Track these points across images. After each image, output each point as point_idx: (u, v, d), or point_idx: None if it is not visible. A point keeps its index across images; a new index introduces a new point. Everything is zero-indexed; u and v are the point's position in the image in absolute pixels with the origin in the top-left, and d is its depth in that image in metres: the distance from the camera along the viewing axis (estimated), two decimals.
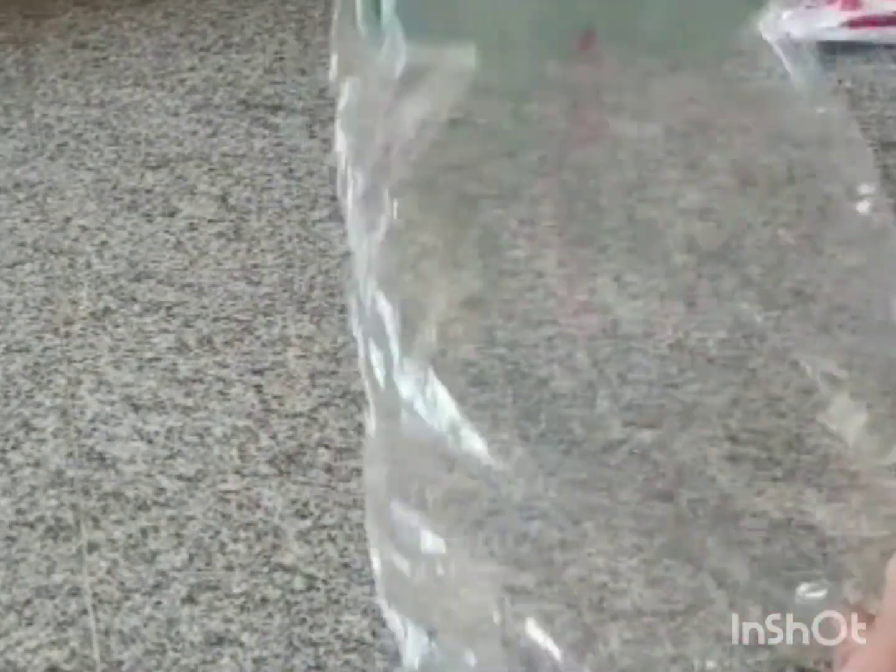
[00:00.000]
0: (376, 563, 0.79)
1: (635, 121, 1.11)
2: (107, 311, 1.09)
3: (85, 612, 0.83)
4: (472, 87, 1.05)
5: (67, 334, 1.07)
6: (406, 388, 0.86)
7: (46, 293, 1.12)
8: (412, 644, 0.74)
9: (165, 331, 1.06)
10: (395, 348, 0.88)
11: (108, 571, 0.86)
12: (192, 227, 1.19)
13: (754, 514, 0.87)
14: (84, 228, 1.20)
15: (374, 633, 0.81)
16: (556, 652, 0.74)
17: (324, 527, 0.88)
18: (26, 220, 1.21)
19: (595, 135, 1.15)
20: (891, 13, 1.41)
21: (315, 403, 0.98)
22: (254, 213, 1.21)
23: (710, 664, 0.77)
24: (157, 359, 1.04)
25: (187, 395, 1.00)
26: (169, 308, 1.09)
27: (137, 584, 0.85)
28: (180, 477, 0.93)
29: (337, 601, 0.83)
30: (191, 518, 0.89)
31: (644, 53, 1.08)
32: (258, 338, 1.05)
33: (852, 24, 1.42)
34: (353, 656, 0.80)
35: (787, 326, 1.04)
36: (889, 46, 1.42)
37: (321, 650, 0.80)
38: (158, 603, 0.84)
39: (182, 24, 1.55)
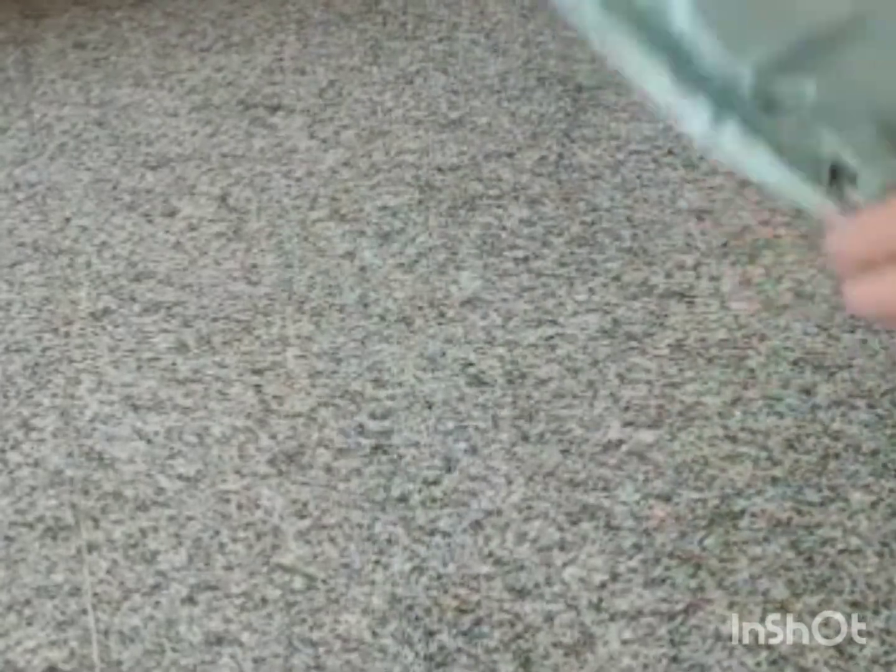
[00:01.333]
0: None
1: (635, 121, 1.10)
2: (106, 310, 1.09)
3: (84, 612, 0.83)
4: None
5: (67, 334, 1.07)
6: None
7: (46, 293, 1.12)
8: None
9: (165, 331, 1.06)
10: None
11: (108, 571, 0.86)
12: (191, 228, 1.19)
13: (754, 514, 0.87)
14: (84, 228, 1.20)
15: (374, 633, 0.81)
16: None
17: (323, 527, 0.88)
18: (26, 221, 1.21)
19: None
20: None
21: (314, 403, 0.98)
22: (253, 213, 1.21)
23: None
24: (156, 359, 1.04)
25: (186, 395, 1.00)
26: (168, 308, 1.09)
27: (137, 584, 0.85)
28: (180, 477, 0.93)
29: (336, 601, 0.83)
30: (190, 518, 0.89)
31: None
32: (257, 338, 1.05)
33: None
34: (352, 656, 0.80)
35: (787, 326, 1.04)
36: None
37: (321, 650, 0.80)
38: (158, 603, 0.84)
39: (182, 25, 1.55)
